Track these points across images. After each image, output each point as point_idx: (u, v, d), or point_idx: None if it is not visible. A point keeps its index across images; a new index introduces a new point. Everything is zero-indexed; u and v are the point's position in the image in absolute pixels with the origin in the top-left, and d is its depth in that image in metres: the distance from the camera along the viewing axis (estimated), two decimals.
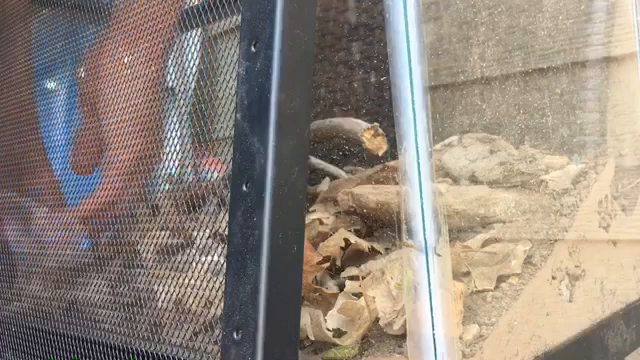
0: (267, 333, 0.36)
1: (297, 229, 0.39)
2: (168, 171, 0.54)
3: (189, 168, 0.58)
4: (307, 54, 0.40)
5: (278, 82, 0.38)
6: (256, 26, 0.39)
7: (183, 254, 0.52)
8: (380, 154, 0.72)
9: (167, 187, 0.58)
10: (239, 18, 0.41)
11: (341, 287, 0.63)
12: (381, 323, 0.55)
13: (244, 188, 0.38)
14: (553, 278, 0.63)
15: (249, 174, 0.38)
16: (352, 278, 0.63)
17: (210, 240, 0.48)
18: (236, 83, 0.41)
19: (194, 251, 0.51)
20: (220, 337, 0.39)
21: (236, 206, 0.39)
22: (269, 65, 0.38)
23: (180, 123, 0.58)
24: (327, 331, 0.55)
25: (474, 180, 0.72)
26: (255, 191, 0.37)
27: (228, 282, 0.38)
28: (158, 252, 0.55)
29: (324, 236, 0.68)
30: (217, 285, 0.43)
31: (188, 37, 0.57)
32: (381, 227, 0.71)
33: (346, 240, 0.66)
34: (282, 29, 0.38)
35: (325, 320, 0.56)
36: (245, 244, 0.37)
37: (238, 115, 0.40)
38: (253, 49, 0.39)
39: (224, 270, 0.40)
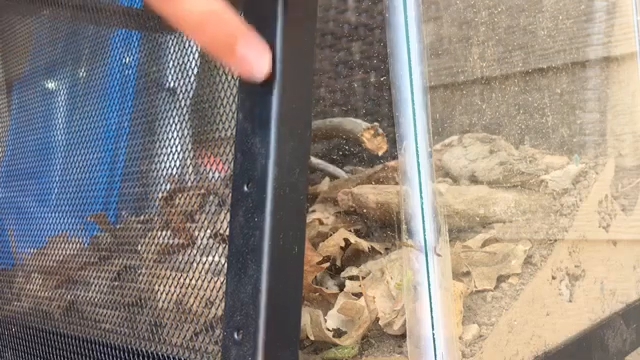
0: (268, 333, 0.36)
1: (298, 230, 0.39)
2: (170, 171, 0.54)
3: (190, 168, 0.58)
4: (307, 54, 0.40)
5: (279, 82, 0.38)
6: (257, 27, 0.39)
7: (184, 254, 0.53)
8: (380, 154, 0.73)
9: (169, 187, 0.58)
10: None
11: (341, 287, 0.63)
12: (381, 323, 0.55)
13: (245, 188, 0.38)
14: (553, 278, 0.63)
15: (250, 175, 0.38)
16: (352, 278, 0.63)
17: (211, 240, 0.48)
18: (237, 83, 0.41)
19: (195, 251, 0.51)
20: (221, 337, 0.39)
21: (237, 206, 0.39)
22: (273, 61, 0.38)
23: (182, 123, 0.58)
24: (327, 331, 0.55)
25: (474, 180, 0.72)
26: (256, 192, 0.37)
27: (229, 282, 0.38)
28: (160, 252, 0.55)
29: (324, 236, 0.68)
30: (218, 285, 0.43)
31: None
32: (381, 227, 0.71)
33: (346, 240, 0.66)
34: (282, 29, 0.38)
35: (325, 320, 0.56)
36: (246, 244, 0.37)
37: (240, 115, 0.40)
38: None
39: (225, 270, 0.40)
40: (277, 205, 0.37)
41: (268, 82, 0.38)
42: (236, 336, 0.37)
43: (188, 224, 0.57)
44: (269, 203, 0.37)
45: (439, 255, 0.49)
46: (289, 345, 0.38)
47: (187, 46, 0.54)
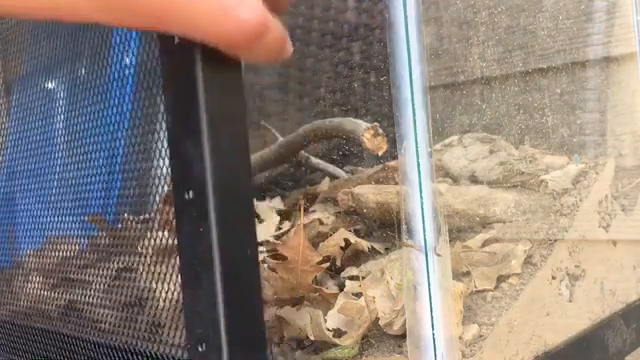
0: (231, 344, 0.35)
1: (248, 233, 0.36)
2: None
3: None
4: None
5: (203, 78, 0.35)
6: None
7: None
8: (380, 154, 0.72)
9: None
10: None
11: (341, 287, 0.63)
12: (381, 323, 0.55)
13: (186, 196, 0.36)
14: (553, 278, 0.63)
15: (189, 181, 0.35)
16: (352, 278, 0.63)
17: None
18: (161, 82, 0.38)
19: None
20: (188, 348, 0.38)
21: (182, 216, 0.36)
22: (193, 58, 0.34)
23: None
24: (327, 331, 0.55)
25: (474, 180, 0.72)
26: (198, 199, 0.35)
27: (185, 296, 0.37)
28: (158, 253, 0.55)
29: (324, 236, 0.68)
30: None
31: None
32: (381, 227, 0.71)
33: (346, 240, 0.66)
34: None
35: (325, 320, 0.56)
36: (196, 256, 0.35)
37: (169, 117, 0.37)
38: (177, 39, 0.35)
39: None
40: (222, 211, 0.35)
41: (192, 76, 0.35)
42: (200, 349, 0.36)
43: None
44: (212, 210, 0.34)
45: (439, 255, 0.49)
46: (256, 350, 0.36)
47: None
